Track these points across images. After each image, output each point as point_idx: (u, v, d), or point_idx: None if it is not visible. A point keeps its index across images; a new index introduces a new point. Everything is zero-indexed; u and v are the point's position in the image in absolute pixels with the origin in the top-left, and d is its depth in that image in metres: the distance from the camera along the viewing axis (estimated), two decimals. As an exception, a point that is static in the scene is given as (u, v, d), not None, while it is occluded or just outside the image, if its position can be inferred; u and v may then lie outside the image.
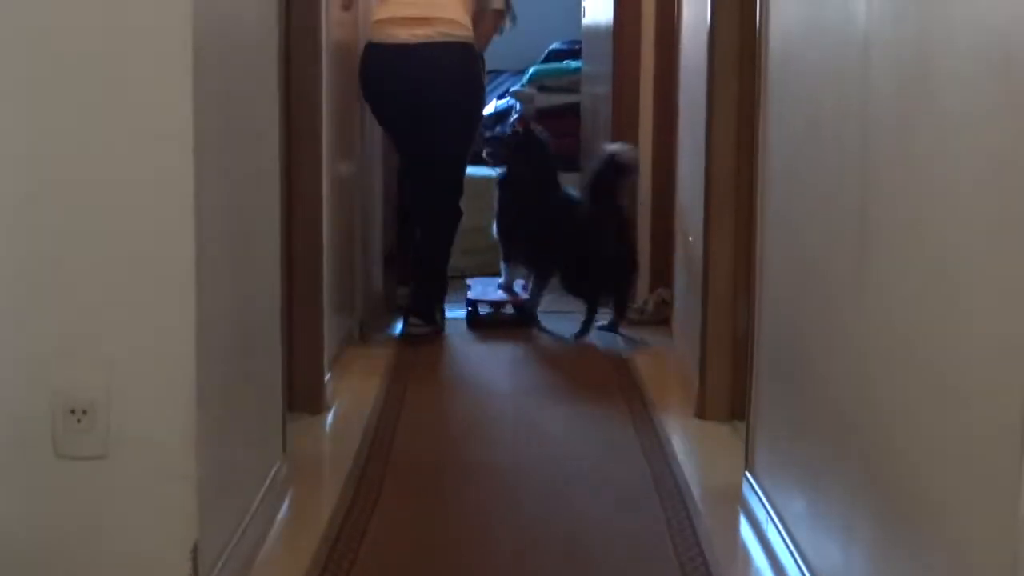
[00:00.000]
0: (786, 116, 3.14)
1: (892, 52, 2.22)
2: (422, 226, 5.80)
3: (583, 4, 7.32)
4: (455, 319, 5.94)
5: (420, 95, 5.45)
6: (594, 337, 5.74)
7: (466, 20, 5.51)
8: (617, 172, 5.73)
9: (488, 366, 5.38)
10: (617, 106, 6.34)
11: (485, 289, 6.20)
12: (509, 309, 6.03)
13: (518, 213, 5.94)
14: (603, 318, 5.83)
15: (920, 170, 2.06)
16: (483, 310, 6.02)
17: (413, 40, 5.39)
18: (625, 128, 6.27)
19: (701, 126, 4.33)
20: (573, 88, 7.69)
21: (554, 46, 8.51)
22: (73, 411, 2.49)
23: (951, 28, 1.93)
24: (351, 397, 4.60)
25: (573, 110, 7.55)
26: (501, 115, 7.93)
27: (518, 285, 6.16)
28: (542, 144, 6.03)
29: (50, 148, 2.47)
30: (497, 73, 8.23)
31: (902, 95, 2.16)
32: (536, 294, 5.99)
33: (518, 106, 7.93)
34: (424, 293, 5.71)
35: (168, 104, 2.47)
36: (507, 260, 6.10)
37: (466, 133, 5.68)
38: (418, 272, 5.76)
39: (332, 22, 4.65)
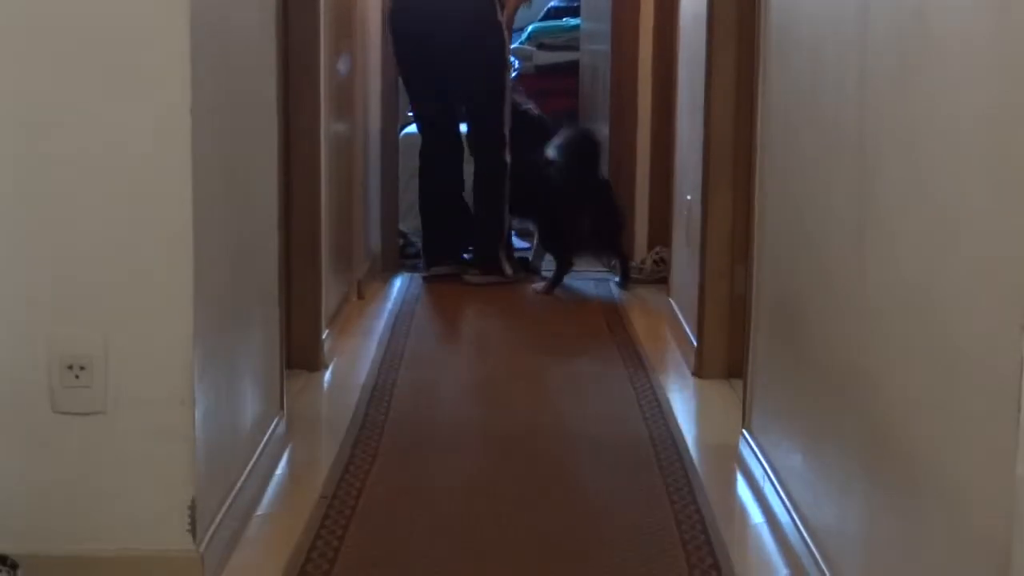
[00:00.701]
0: (785, 73, 3.13)
1: (891, 9, 2.21)
2: (474, 182, 5.99)
3: (583, -39, 7.29)
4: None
5: (440, 40, 5.73)
6: (593, 295, 5.77)
7: None
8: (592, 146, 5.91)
9: (486, 323, 5.39)
10: (616, 64, 6.33)
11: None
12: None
13: (515, 174, 6.02)
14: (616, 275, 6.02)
15: (919, 126, 2.06)
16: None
17: None
18: (624, 86, 6.25)
19: (700, 84, 4.31)
20: (572, 46, 7.67)
21: (553, 3, 8.49)
22: (71, 367, 2.49)
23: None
24: (349, 355, 4.61)
25: (572, 68, 7.53)
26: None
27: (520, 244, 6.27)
28: (535, 122, 6.18)
29: (44, 102, 2.46)
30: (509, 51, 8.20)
31: (900, 52, 2.15)
32: (538, 252, 6.12)
33: (517, 64, 7.90)
34: (488, 250, 5.89)
35: (165, 57, 2.46)
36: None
37: (493, 76, 5.85)
38: (477, 227, 5.97)
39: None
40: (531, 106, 6.29)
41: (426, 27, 5.81)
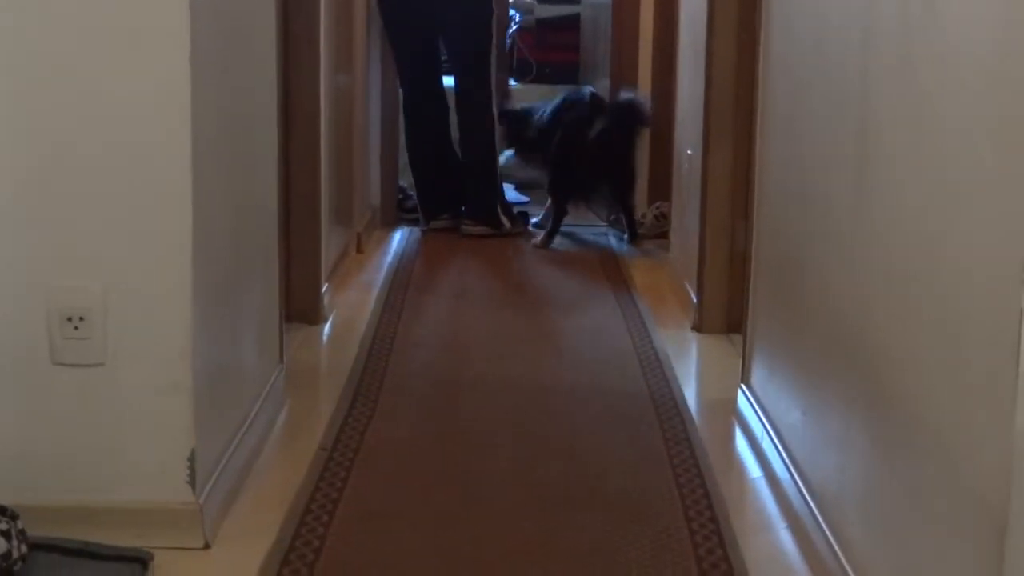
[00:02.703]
0: (788, 29, 3.11)
1: (896, -38, 2.20)
2: (461, 137, 6.02)
3: (584, -86, 7.25)
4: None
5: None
6: (593, 250, 5.77)
7: None
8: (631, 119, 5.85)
9: (486, 278, 5.39)
10: (617, 17, 6.30)
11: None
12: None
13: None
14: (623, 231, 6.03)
15: (924, 82, 2.05)
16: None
17: None
18: (625, 40, 6.23)
19: (702, 38, 4.30)
20: (573, -1, 7.64)
21: (554, -43, 8.43)
22: (70, 318, 2.49)
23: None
24: (348, 308, 4.61)
25: (573, 21, 7.49)
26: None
27: (509, 190, 6.28)
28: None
29: (42, 58, 2.45)
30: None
31: (904, 12, 2.14)
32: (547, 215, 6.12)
33: (517, 17, 7.86)
34: (483, 203, 5.92)
35: (164, 10, 2.44)
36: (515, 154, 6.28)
37: (479, 29, 5.87)
38: (470, 179, 5.98)
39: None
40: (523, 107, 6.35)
41: None
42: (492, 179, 5.98)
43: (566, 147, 5.87)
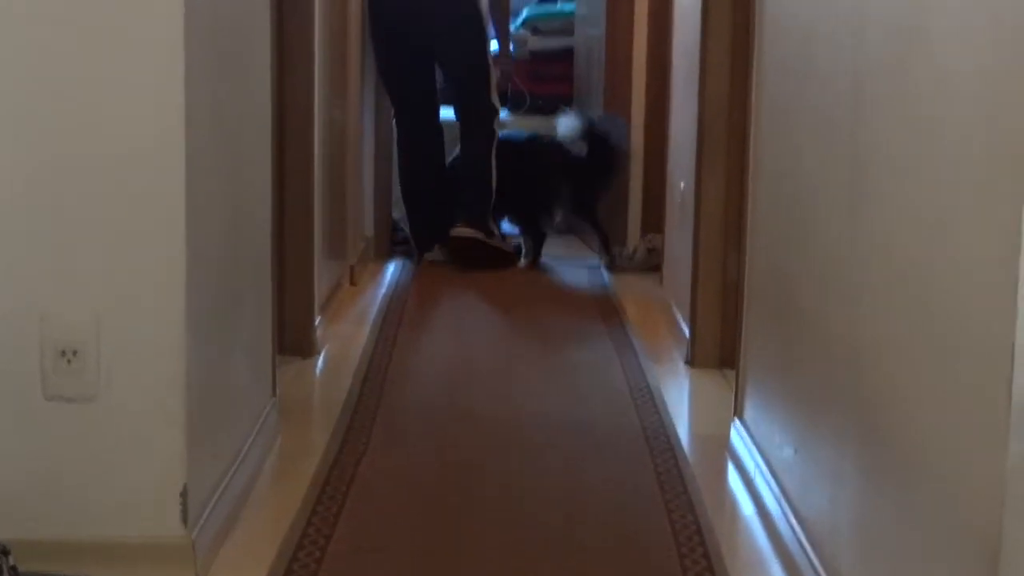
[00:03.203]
0: (779, 58, 3.12)
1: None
2: (460, 146, 6.13)
3: (577, -54, 7.28)
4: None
5: (420, 25, 5.84)
6: (585, 283, 5.78)
7: None
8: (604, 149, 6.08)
9: (479, 310, 5.39)
10: (611, 48, 6.32)
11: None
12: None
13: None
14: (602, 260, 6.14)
15: (912, 111, 2.05)
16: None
17: None
18: (618, 71, 6.25)
19: (695, 70, 4.31)
20: (567, 31, 7.65)
21: (547, -11, 8.46)
22: (63, 352, 2.49)
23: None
24: (341, 341, 4.60)
25: (566, 53, 7.51)
26: (495, 58, 7.90)
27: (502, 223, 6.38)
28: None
29: (34, 78, 2.45)
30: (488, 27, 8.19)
31: (896, 39, 2.15)
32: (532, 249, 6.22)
33: (511, 49, 7.88)
34: (476, 211, 5.96)
35: (159, 38, 2.45)
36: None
37: (476, 52, 5.97)
38: (466, 188, 6.04)
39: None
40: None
41: (405, 17, 5.88)
42: (486, 187, 6.02)
43: (533, 178, 6.09)
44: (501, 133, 6.16)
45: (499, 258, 6.01)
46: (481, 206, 5.99)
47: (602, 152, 6.08)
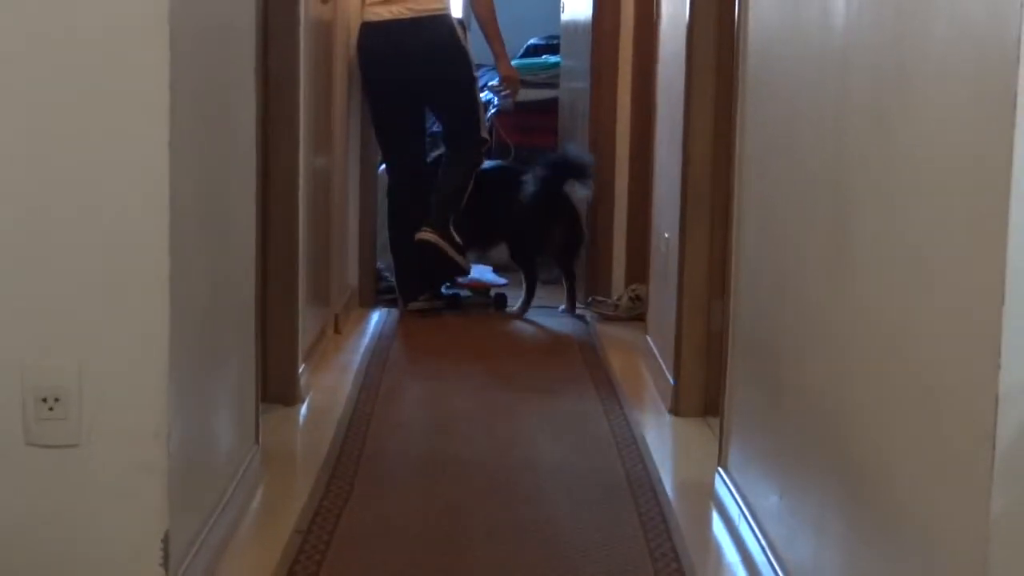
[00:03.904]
0: (764, 114, 3.14)
1: (870, 52, 2.23)
2: (444, 164, 6.19)
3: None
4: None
5: (408, 70, 5.91)
6: (569, 332, 5.79)
7: None
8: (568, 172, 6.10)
9: (463, 359, 5.38)
10: (595, 101, 6.35)
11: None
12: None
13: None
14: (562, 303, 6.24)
15: (896, 168, 2.07)
16: (464, 294, 6.33)
17: (390, 17, 5.87)
18: (603, 123, 6.28)
19: (679, 122, 4.33)
20: (551, 83, 7.68)
21: (532, 41, 8.50)
22: (45, 399, 2.48)
23: (928, 27, 1.93)
24: (325, 389, 4.59)
25: (551, 105, 7.54)
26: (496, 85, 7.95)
27: (487, 272, 6.35)
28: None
29: (18, 134, 2.45)
30: (482, 67, 8.23)
31: (879, 94, 2.17)
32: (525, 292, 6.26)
33: (496, 100, 7.91)
34: (441, 214, 6.02)
35: (143, 91, 2.45)
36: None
37: (464, 96, 6.07)
38: (437, 193, 6.11)
39: (310, 7, 4.64)
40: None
41: (393, 63, 5.92)
42: (456, 198, 6.08)
43: (521, 210, 6.09)
44: (501, 163, 6.30)
45: (452, 268, 6.11)
46: (446, 213, 6.04)
47: (559, 163, 6.15)
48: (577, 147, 6.31)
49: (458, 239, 6.05)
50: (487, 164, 6.30)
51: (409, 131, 6.12)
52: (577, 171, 6.07)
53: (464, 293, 6.30)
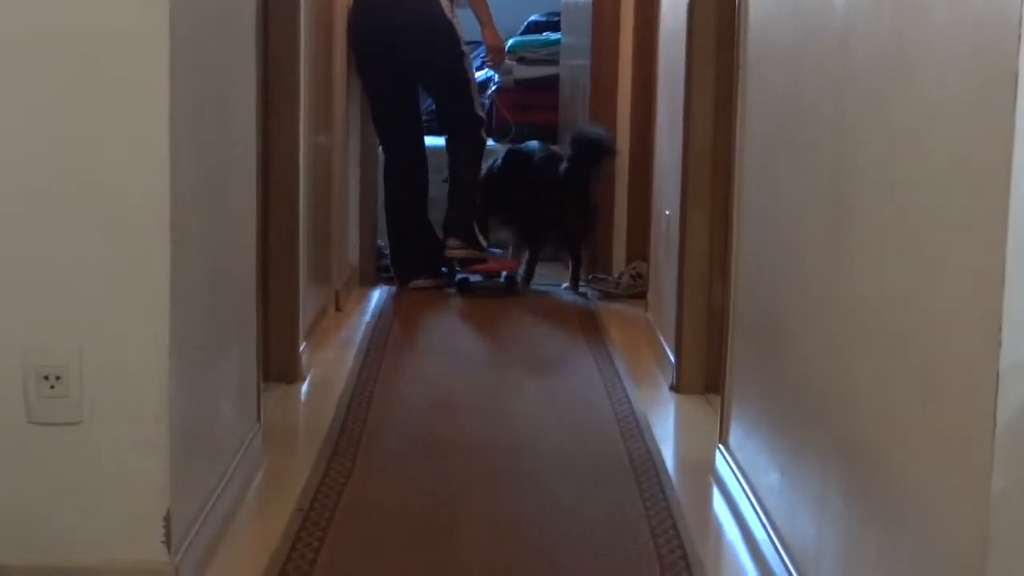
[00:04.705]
0: (764, 92, 3.14)
1: (870, 33, 2.22)
2: (449, 161, 6.24)
3: (563, -24, 7.31)
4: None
5: (396, 45, 5.91)
6: (571, 310, 5.79)
7: None
8: (593, 154, 6.05)
9: (464, 336, 5.38)
10: (596, 78, 6.34)
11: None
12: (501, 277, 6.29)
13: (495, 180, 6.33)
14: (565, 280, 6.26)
15: (895, 148, 2.06)
16: (474, 278, 6.26)
17: None
18: (603, 101, 6.27)
19: (680, 100, 4.32)
20: (552, 60, 7.68)
21: (533, 18, 8.49)
22: (46, 377, 2.48)
23: (928, 9, 1.93)
24: (326, 367, 4.60)
25: (552, 82, 7.54)
26: (479, 87, 7.93)
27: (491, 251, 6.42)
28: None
29: (16, 112, 2.45)
30: (476, 45, 8.22)
31: (878, 75, 2.16)
32: (527, 266, 6.29)
33: (496, 78, 7.90)
34: (462, 217, 6.10)
35: (143, 67, 2.45)
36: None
37: (454, 69, 6.04)
38: (453, 201, 6.18)
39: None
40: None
41: (382, 38, 5.93)
42: (473, 199, 6.15)
43: (536, 190, 6.09)
44: (513, 146, 6.33)
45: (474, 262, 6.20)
46: (468, 214, 6.11)
47: (586, 143, 6.08)
48: (596, 127, 6.24)
49: (481, 239, 6.13)
50: (538, 152, 6.26)
51: (404, 114, 6.12)
52: (606, 151, 6.07)
53: (474, 277, 6.26)
